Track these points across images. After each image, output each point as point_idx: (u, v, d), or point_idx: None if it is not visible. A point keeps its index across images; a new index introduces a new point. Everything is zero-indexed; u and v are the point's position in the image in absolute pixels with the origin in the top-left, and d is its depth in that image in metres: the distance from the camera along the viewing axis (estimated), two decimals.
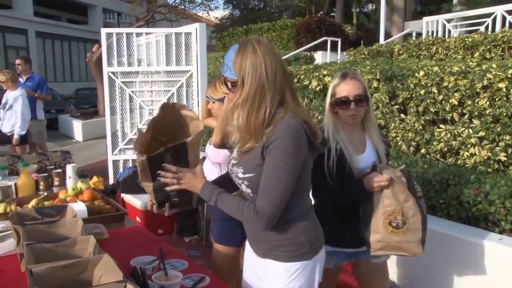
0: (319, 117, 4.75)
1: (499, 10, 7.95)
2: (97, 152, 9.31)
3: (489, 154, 3.20)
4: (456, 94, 3.46)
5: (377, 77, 4.10)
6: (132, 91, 5.53)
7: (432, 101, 3.62)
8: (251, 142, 1.62)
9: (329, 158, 2.08)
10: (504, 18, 7.90)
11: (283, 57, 9.92)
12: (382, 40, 9.87)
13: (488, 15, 8.04)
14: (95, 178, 3.34)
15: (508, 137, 3.14)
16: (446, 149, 3.52)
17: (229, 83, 1.65)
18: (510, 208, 2.62)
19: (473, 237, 2.64)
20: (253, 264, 1.89)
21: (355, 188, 2.09)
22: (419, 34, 9.76)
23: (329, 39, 10.47)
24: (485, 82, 3.33)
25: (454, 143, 3.44)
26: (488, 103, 3.33)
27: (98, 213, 2.55)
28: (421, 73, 3.70)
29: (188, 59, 5.58)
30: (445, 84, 3.54)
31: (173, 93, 5.54)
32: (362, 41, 11.77)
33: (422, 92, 3.66)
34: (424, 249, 2.06)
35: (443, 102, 3.57)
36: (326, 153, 2.05)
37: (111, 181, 5.42)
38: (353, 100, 2.04)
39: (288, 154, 1.58)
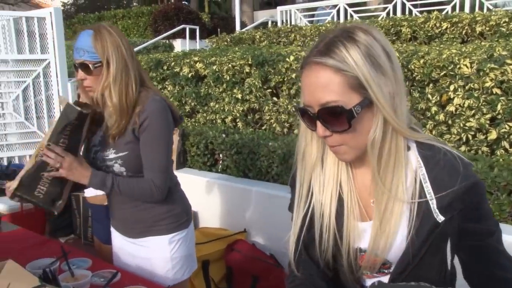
0: (192, 103, 4.75)
1: (341, 2, 8.79)
2: None
3: None
4: None
5: (249, 62, 4.24)
6: None
7: None
8: (124, 123, 1.69)
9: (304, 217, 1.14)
10: (346, 10, 8.75)
11: (142, 45, 9.63)
12: (238, 28, 10.17)
13: (333, 7, 8.81)
14: None
15: None
16: None
17: (90, 65, 1.67)
18: None
19: None
20: (125, 247, 1.92)
21: None
22: (273, 23, 10.27)
23: (188, 26, 10.44)
24: None
25: None
26: None
27: None
28: (292, 57, 3.93)
29: (44, 47, 5.11)
30: None
31: (28, 84, 5.04)
32: (219, 29, 11.96)
33: (293, 75, 3.89)
34: None
35: None
36: (297, 204, 1.14)
37: None
38: (318, 114, 0.98)
39: (162, 128, 1.72)
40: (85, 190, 2.77)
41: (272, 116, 4.13)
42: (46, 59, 5.10)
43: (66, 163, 1.62)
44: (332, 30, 0.99)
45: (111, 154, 1.75)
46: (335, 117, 0.95)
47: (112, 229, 2.00)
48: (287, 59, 3.97)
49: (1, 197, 3.96)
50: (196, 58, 4.72)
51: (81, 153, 1.80)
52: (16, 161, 5.01)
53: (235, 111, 4.33)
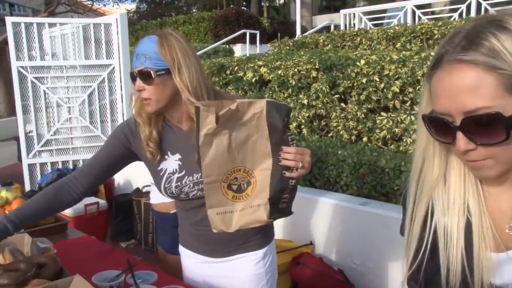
0: None
1: (409, 4, 8.40)
2: (1, 156, 8.48)
3: None
4: (397, 82, 3.51)
5: (316, 66, 4.06)
6: (47, 88, 5.01)
7: (374, 89, 3.64)
8: None
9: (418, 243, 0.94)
10: (414, 12, 8.35)
11: (203, 50, 9.67)
12: (298, 33, 9.99)
13: (401, 9, 8.43)
14: None
15: None
16: (389, 136, 3.56)
17: (152, 73, 1.49)
18: None
19: None
20: (209, 270, 1.73)
21: None
22: (335, 26, 10.02)
23: (248, 31, 10.40)
24: (426, 70, 3.42)
25: (397, 130, 3.49)
26: None
27: (33, 225, 2.22)
28: (362, 61, 3.71)
29: (109, 52, 5.19)
30: (386, 72, 3.57)
31: (94, 88, 5.12)
32: (279, 34, 11.86)
33: (364, 80, 3.67)
34: None
35: (384, 90, 3.61)
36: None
37: (28, 187, 4.89)
38: (460, 126, 0.79)
39: None
40: (151, 197, 2.69)
41: (340, 123, 3.93)
42: (111, 64, 5.17)
43: (308, 157, 1.38)
44: (468, 23, 0.79)
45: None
46: (487, 127, 0.76)
47: (183, 248, 1.80)
48: (357, 63, 3.75)
49: None
50: (260, 63, 4.60)
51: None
52: (81, 165, 5.09)
53: (300, 117, 4.16)
